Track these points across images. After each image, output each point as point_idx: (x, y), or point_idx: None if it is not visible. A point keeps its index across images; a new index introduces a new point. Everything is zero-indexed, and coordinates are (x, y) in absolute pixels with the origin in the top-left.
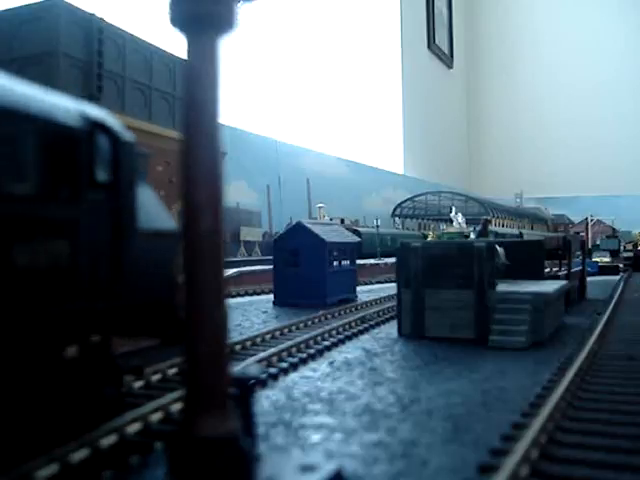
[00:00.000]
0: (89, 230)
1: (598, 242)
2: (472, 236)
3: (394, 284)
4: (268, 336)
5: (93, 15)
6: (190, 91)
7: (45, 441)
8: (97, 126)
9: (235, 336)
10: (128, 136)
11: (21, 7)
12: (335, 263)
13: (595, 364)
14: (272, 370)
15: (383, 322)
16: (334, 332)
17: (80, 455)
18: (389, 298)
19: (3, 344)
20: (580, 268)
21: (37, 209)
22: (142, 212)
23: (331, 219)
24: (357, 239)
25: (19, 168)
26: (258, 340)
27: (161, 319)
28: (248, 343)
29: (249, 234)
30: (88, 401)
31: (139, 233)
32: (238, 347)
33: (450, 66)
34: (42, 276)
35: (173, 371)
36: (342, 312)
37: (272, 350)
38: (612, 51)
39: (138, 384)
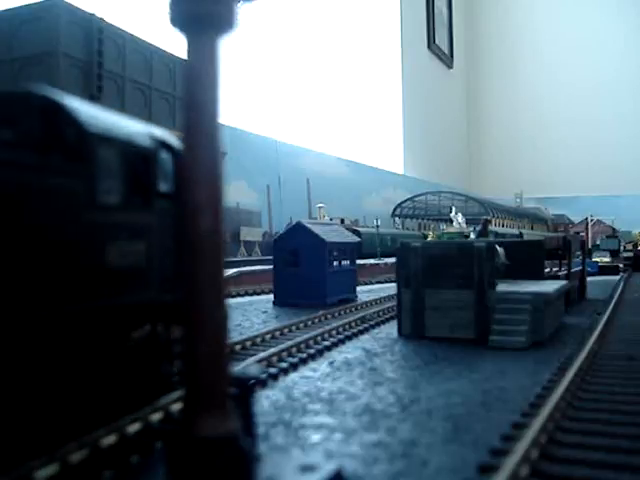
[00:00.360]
0: (158, 233)
1: (598, 242)
2: (472, 236)
3: (394, 284)
4: (268, 336)
5: (93, 15)
6: (190, 91)
7: (119, 406)
8: (162, 145)
9: (235, 336)
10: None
11: (21, 7)
12: (335, 263)
13: (595, 364)
14: (272, 370)
15: (383, 322)
16: (334, 332)
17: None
18: (389, 298)
19: (98, 325)
20: (580, 268)
21: (122, 216)
22: None
23: (331, 219)
24: (357, 239)
25: (110, 183)
26: (258, 340)
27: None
28: (248, 343)
29: (249, 234)
30: (150, 376)
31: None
32: (238, 347)
33: (450, 66)
34: (126, 272)
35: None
36: (342, 312)
37: (272, 350)
38: (612, 51)
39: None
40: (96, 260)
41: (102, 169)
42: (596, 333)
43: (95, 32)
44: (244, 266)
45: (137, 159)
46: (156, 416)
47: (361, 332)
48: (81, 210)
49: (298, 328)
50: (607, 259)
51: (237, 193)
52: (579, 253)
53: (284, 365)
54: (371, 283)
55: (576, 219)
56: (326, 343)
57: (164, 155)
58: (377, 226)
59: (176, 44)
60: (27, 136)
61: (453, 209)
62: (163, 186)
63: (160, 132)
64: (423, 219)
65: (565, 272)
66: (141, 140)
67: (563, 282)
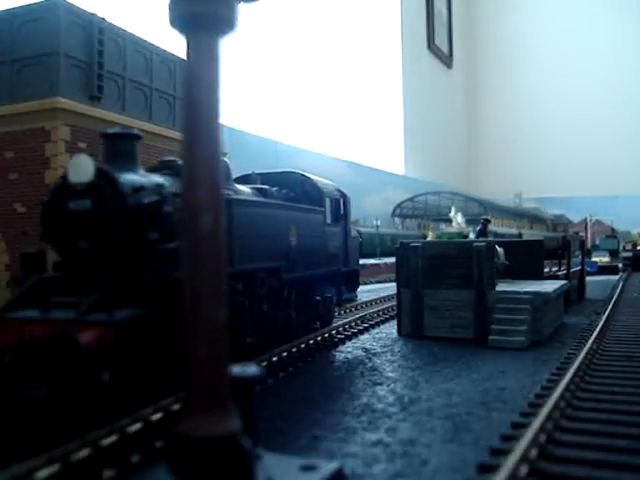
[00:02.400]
0: (340, 236)
1: (597, 242)
2: (472, 236)
3: (394, 284)
4: None
5: (94, 15)
6: (190, 91)
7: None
8: (341, 191)
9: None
10: (346, 193)
11: (21, 7)
12: None
13: (594, 364)
14: (272, 370)
15: (383, 322)
16: (334, 332)
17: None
18: (389, 298)
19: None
20: (579, 268)
21: (333, 229)
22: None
23: None
24: (358, 239)
25: (329, 214)
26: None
27: (356, 276)
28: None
29: None
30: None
31: (351, 237)
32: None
33: (450, 66)
34: (333, 255)
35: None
36: (342, 312)
37: (272, 350)
38: (612, 51)
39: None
40: (329, 249)
41: (327, 208)
42: (595, 333)
43: (96, 32)
44: None
45: (335, 202)
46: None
47: (361, 332)
48: (323, 226)
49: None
50: (606, 259)
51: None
52: (578, 253)
53: (284, 365)
54: (371, 283)
55: (575, 219)
56: (326, 343)
57: (342, 199)
58: (377, 226)
59: (176, 44)
60: (302, 194)
61: (453, 209)
62: (341, 212)
63: (335, 185)
64: (423, 219)
65: (564, 272)
66: (336, 192)
67: (562, 282)
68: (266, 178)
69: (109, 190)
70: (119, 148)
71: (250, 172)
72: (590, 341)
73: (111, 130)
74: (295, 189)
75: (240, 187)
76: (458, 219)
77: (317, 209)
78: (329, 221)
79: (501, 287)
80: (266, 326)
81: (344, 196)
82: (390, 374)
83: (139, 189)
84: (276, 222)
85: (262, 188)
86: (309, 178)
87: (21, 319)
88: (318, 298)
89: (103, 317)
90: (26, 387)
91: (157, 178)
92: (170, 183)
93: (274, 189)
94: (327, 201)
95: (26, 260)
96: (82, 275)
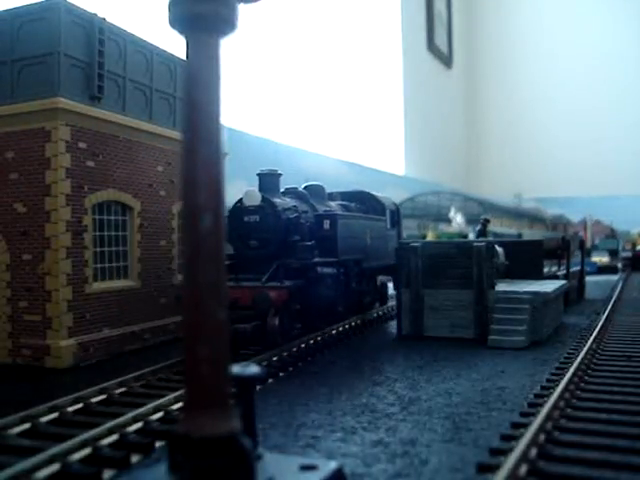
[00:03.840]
0: (395, 237)
1: (597, 242)
2: (471, 236)
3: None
4: None
5: (94, 15)
6: (190, 92)
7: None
8: (396, 205)
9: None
10: (399, 206)
11: (21, 7)
12: None
13: (594, 363)
14: (272, 370)
15: (383, 322)
16: (334, 332)
17: None
18: (389, 298)
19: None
20: (579, 268)
21: (391, 232)
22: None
23: None
24: None
25: (389, 221)
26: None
27: (392, 267)
28: None
29: None
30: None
31: (402, 238)
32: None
33: (449, 66)
34: (390, 251)
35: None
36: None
37: (272, 351)
38: (613, 51)
39: None
40: (388, 247)
41: (387, 217)
42: (595, 333)
43: (96, 32)
44: None
45: (392, 213)
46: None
47: (361, 332)
48: (385, 230)
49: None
50: (606, 259)
51: (237, 193)
52: (578, 253)
53: (284, 365)
54: None
55: (575, 219)
56: (326, 343)
57: (397, 210)
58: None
59: (176, 44)
60: (369, 207)
61: (452, 209)
62: (395, 220)
63: (390, 198)
64: (422, 219)
65: (564, 272)
66: (392, 205)
67: (562, 282)
68: (343, 195)
69: (270, 209)
70: (269, 182)
71: (332, 191)
72: (590, 341)
73: (265, 170)
74: (364, 203)
75: (331, 203)
76: (458, 219)
77: (381, 218)
78: (388, 226)
79: (501, 287)
80: (350, 300)
81: (398, 208)
82: (390, 374)
83: (287, 209)
84: (358, 228)
85: (346, 204)
86: (374, 195)
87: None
88: (379, 283)
89: (278, 284)
90: (236, 324)
91: (291, 201)
92: (298, 204)
93: (352, 204)
94: (387, 212)
95: None
96: (251, 261)
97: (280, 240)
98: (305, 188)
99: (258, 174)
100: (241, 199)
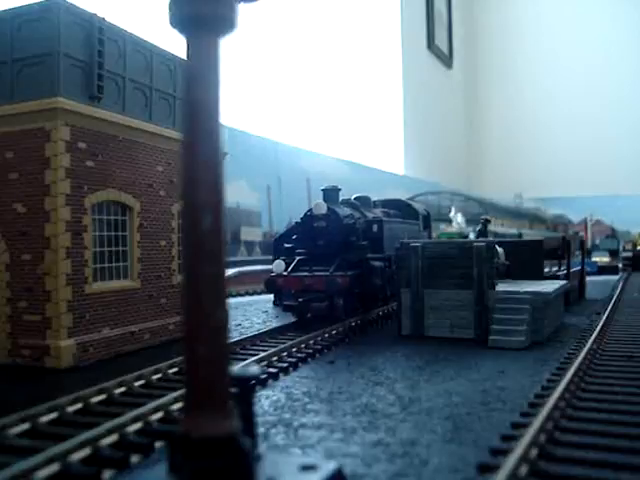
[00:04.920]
0: (425, 237)
1: (597, 242)
2: (471, 236)
3: None
4: (268, 336)
5: (94, 15)
6: (191, 91)
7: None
8: (427, 210)
9: (235, 336)
10: (430, 212)
11: (21, 7)
12: None
13: (594, 364)
14: (272, 370)
15: (383, 322)
16: (334, 332)
17: None
18: (389, 297)
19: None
20: (579, 268)
21: (420, 233)
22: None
23: None
24: None
25: (423, 225)
26: (258, 340)
27: None
28: (248, 343)
29: (249, 234)
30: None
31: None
32: (238, 347)
33: (450, 66)
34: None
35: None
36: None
37: (272, 350)
38: (613, 52)
39: None
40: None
41: (420, 221)
42: (595, 333)
43: (96, 32)
44: (244, 266)
45: (424, 217)
46: None
47: (361, 332)
48: (418, 232)
49: (298, 328)
50: (606, 259)
51: (237, 193)
52: (578, 253)
53: (284, 365)
54: None
55: (575, 219)
56: (326, 343)
57: (428, 215)
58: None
59: (176, 44)
60: (406, 215)
61: (453, 209)
62: (427, 223)
63: (422, 204)
64: None
65: (564, 272)
66: (424, 211)
67: (562, 282)
68: (384, 203)
69: (333, 217)
70: (331, 195)
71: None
72: (590, 341)
73: (328, 186)
74: (401, 210)
75: (376, 211)
76: (458, 219)
77: (415, 222)
78: (421, 229)
79: (501, 287)
80: (392, 289)
81: (428, 213)
82: (390, 374)
83: (346, 216)
84: (398, 230)
85: (387, 211)
86: (409, 203)
87: (300, 275)
88: None
89: (342, 273)
90: (313, 303)
91: (347, 209)
92: (353, 212)
93: (392, 211)
94: (420, 217)
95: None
96: (319, 257)
97: (341, 240)
98: (355, 199)
99: (323, 189)
100: (311, 209)
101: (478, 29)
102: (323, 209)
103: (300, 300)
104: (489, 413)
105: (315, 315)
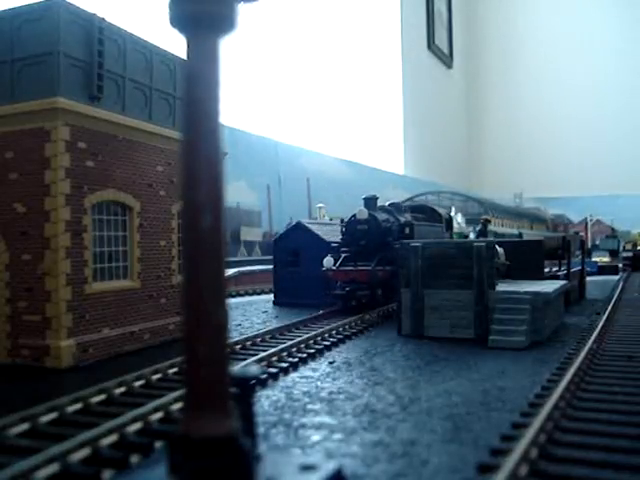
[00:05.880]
0: (442, 232)
1: (597, 242)
2: (471, 236)
3: None
4: (268, 336)
5: (94, 15)
6: (190, 91)
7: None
8: (449, 214)
9: (235, 336)
10: (452, 215)
11: (21, 7)
12: None
13: (594, 364)
14: (272, 370)
15: (383, 322)
16: (334, 332)
17: None
18: (355, 309)
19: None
20: (579, 268)
21: (444, 234)
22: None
23: (331, 219)
24: None
25: (444, 226)
26: (258, 340)
27: None
28: (248, 343)
29: (249, 234)
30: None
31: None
32: (238, 347)
33: (450, 66)
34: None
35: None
36: (342, 311)
37: (272, 350)
38: (612, 52)
39: None
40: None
41: (443, 224)
42: (595, 333)
43: (96, 32)
44: (244, 266)
45: (447, 220)
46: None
47: (361, 332)
48: (442, 233)
49: (298, 328)
50: (606, 259)
51: (237, 193)
52: (578, 253)
53: (284, 365)
54: None
55: (575, 219)
56: (326, 343)
57: (450, 218)
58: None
59: (176, 44)
60: (430, 218)
61: (453, 209)
62: (451, 225)
63: (448, 211)
64: None
65: (564, 272)
66: (446, 215)
67: (562, 282)
68: (412, 208)
69: (373, 222)
70: (371, 203)
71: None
72: (590, 341)
73: (368, 196)
74: (426, 213)
75: (407, 215)
76: (458, 219)
77: (439, 224)
78: (444, 231)
79: (501, 287)
80: None
81: (450, 217)
82: (390, 374)
83: (383, 220)
84: (425, 231)
85: (415, 215)
86: (434, 208)
87: (346, 269)
88: None
89: (382, 268)
90: (357, 292)
91: (384, 214)
92: (389, 216)
93: (420, 215)
94: (443, 220)
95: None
96: (361, 254)
97: (380, 241)
98: (389, 205)
99: (364, 198)
100: (355, 215)
101: (478, 29)
102: (365, 215)
103: (347, 289)
104: (489, 413)
105: (358, 302)
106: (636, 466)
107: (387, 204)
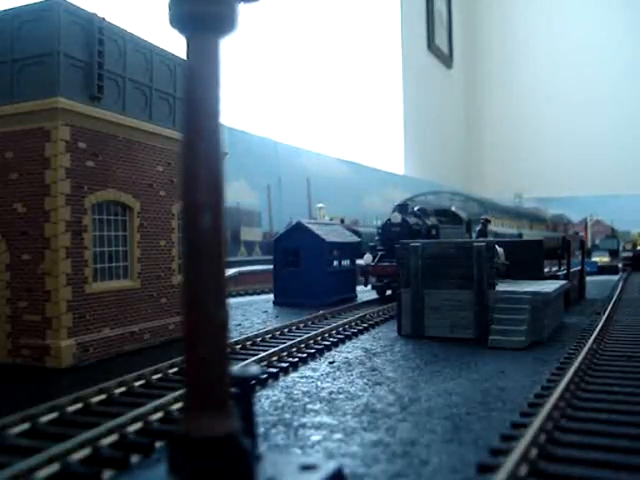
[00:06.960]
0: (463, 233)
1: (597, 242)
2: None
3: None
4: (268, 336)
5: (94, 15)
6: (190, 91)
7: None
8: (468, 217)
9: (235, 336)
10: (468, 215)
11: (21, 7)
12: (335, 263)
13: (594, 364)
14: (272, 370)
15: (383, 322)
16: (334, 332)
17: None
18: (389, 297)
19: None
20: (579, 268)
21: (464, 235)
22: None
23: (331, 219)
24: (357, 239)
25: (466, 228)
26: (258, 340)
27: None
28: (248, 343)
29: (249, 234)
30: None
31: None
32: (238, 347)
33: (450, 66)
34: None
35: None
36: (342, 312)
37: (272, 350)
38: (612, 51)
39: None
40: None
41: (463, 225)
42: (595, 333)
43: (96, 32)
44: (244, 266)
45: (467, 222)
46: None
47: (361, 332)
48: (463, 234)
49: (298, 328)
50: (606, 259)
51: (237, 193)
52: (578, 253)
53: (284, 365)
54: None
55: (575, 219)
56: (326, 343)
57: (469, 220)
58: (377, 226)
59: (176, 44)
60: (452, 221)
61: (452, 209)
62: (472, 228)
63: (467, 214)
64: None
65: (564, 272)
66: (465, 217)
67: (562, 282)
68: (435, 212)
69: (405, 225)
70: (403, 208)
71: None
72: (590, 341)
73: (401, 202)
74: (448, 216)
75: (432, 218)
76: None
77: (460, 226)
78: (464, 232)
79: (501, 287)
80: None
81: (470, 219)
82: (390, 374)
83: (414, 224)
84: (448, 233)
85: (439, 218)
86: (455, 211)
87: (383, 265)
88: None
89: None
90: (391, 284)
91: (414, 218)
92: (417, 220)
93: (443, 218)
94: (464, 222)
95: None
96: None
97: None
98: (418, 210)
99: (397, 204)
100: (389, 219)
101: (478, 29)
102: (398, 219)
103: (384, 281)
104: (489, 413)
105: (393, 292)
106: (636, 466)
107: (416, 209)
